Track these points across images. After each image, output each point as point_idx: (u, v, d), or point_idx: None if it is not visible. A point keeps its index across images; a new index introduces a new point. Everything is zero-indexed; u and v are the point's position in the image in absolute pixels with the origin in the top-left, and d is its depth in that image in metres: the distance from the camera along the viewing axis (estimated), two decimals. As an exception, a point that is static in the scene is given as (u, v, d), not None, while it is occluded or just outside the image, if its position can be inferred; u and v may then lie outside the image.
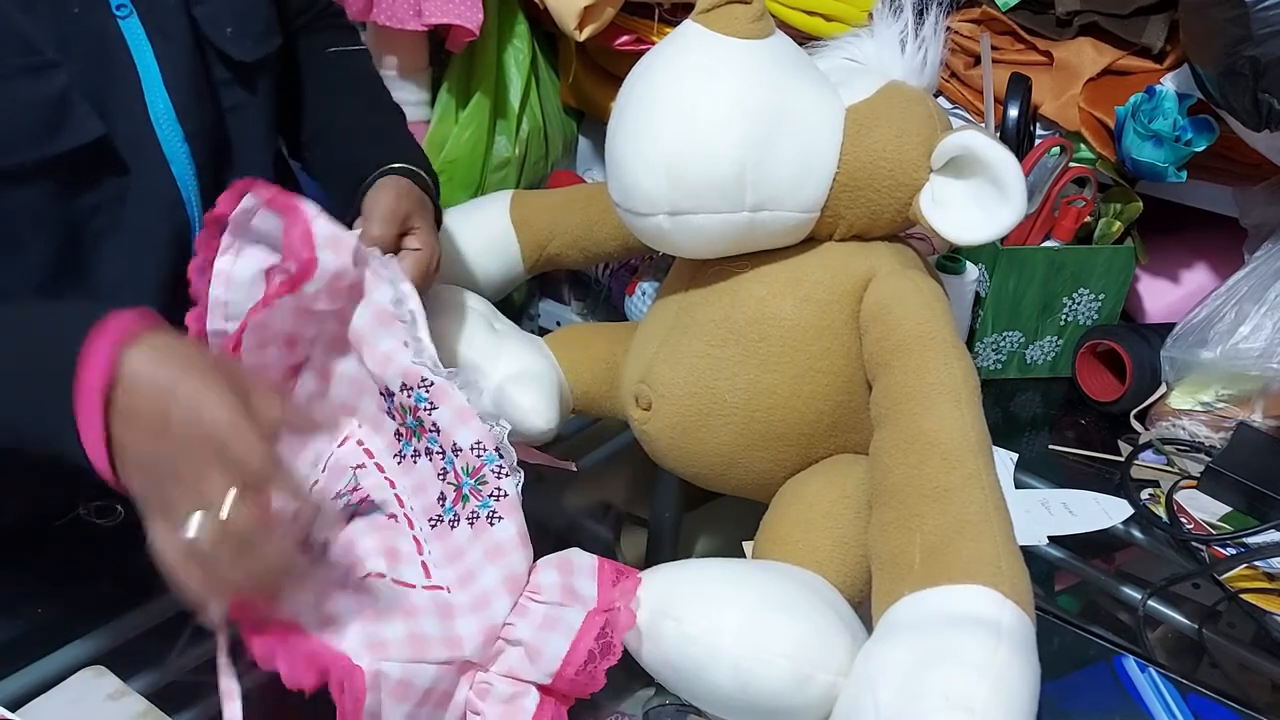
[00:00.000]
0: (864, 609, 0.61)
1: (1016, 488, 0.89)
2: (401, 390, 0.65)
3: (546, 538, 0.84)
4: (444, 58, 1.21)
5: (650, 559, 0.80)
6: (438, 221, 0.79)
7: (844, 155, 0.68)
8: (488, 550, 0.63)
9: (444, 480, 0.66)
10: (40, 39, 0.63)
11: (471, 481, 0.65)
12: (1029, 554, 0.63)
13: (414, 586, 0.62)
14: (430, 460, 0.66)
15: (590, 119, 1.34)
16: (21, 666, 0.66)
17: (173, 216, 0.71)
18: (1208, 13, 0.84)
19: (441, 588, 0.63)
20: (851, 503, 0.67)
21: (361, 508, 0.66)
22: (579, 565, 0.63)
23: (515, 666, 0.61)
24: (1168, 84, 0.98)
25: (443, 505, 0.66)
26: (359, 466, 0.68)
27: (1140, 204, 1.03)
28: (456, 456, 0.65)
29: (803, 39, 0.87)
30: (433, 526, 0.66)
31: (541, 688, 0.61)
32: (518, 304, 1.14)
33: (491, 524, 0.63)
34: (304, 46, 0.85)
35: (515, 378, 0.78)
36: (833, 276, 0.70)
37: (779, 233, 0.70)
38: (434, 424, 0.65)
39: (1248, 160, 1.00)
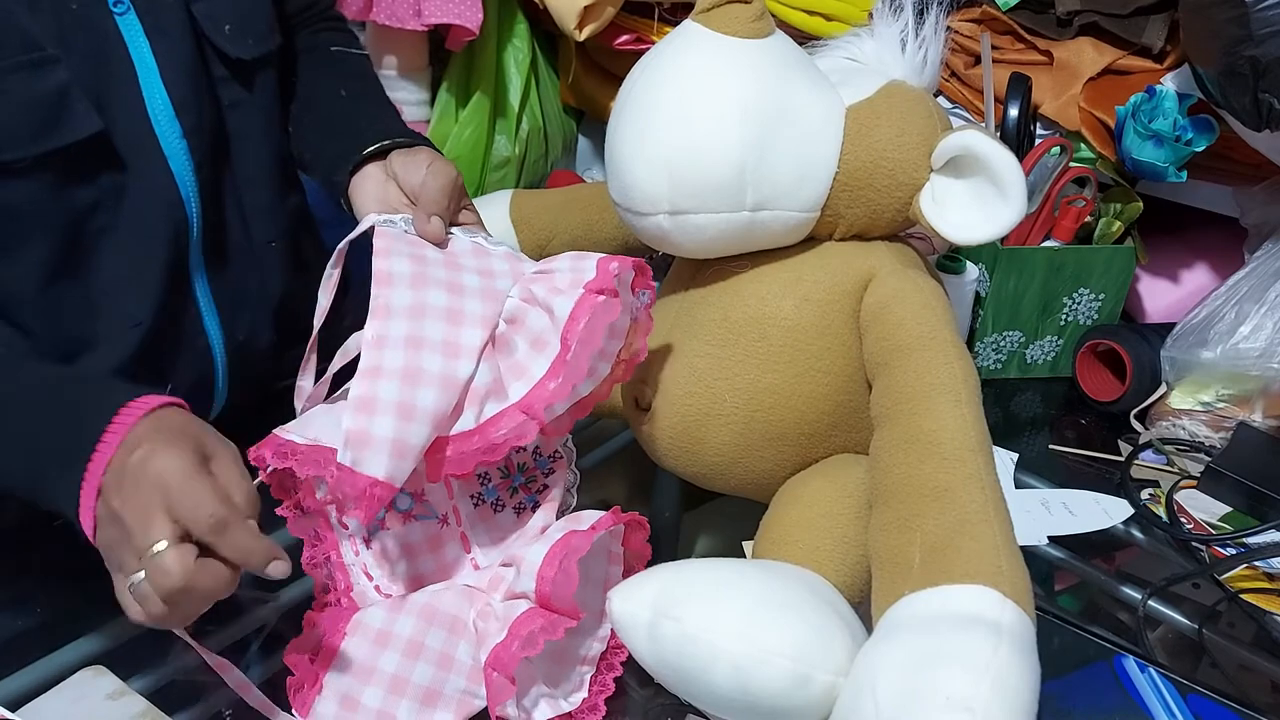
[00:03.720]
0: (864, 609, 0.61)
1: (1016, 488, 0.89)
2: None
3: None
4: (444, 57, 1.21)
5: (650, 559, 0.80)
6: None
7: (844, 155, 0.68)
8: (524, 530, 0.69)
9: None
10: (41, 34, 0.63)
11: (523, 479, 0.70)
12: (1029, 554, 0.63)
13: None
14: None
15: (590, 119, 1.34)
16: (21, 666, 0.66)
17: (171, 213, 0.71)
18: (1208, 13, 0.84)
19: (481, 590, 0.67)
20: (851, 502, 0.67)
21: (416, 509, 0.68)
22: (585, 516, 0.66)
23: (511, 584, 0.64)
24: (1168, 84, 0.98)
25: (483, 485, 0.69)
26: None
27: (1140, 204, 1.03)
28: (516, 454, 0.69)
29: (803, 39, 0.87)
30: (474, 506, 0.69)
31: (538, 601, 0.63)
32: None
33: (532, 511, 0.69)
34: (306, 41, 0.85)
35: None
36: (833, 276, 0.70)
37: (779, 232, 0.70)
38: None
39: (1248, 160, 1.00)
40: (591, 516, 0.66)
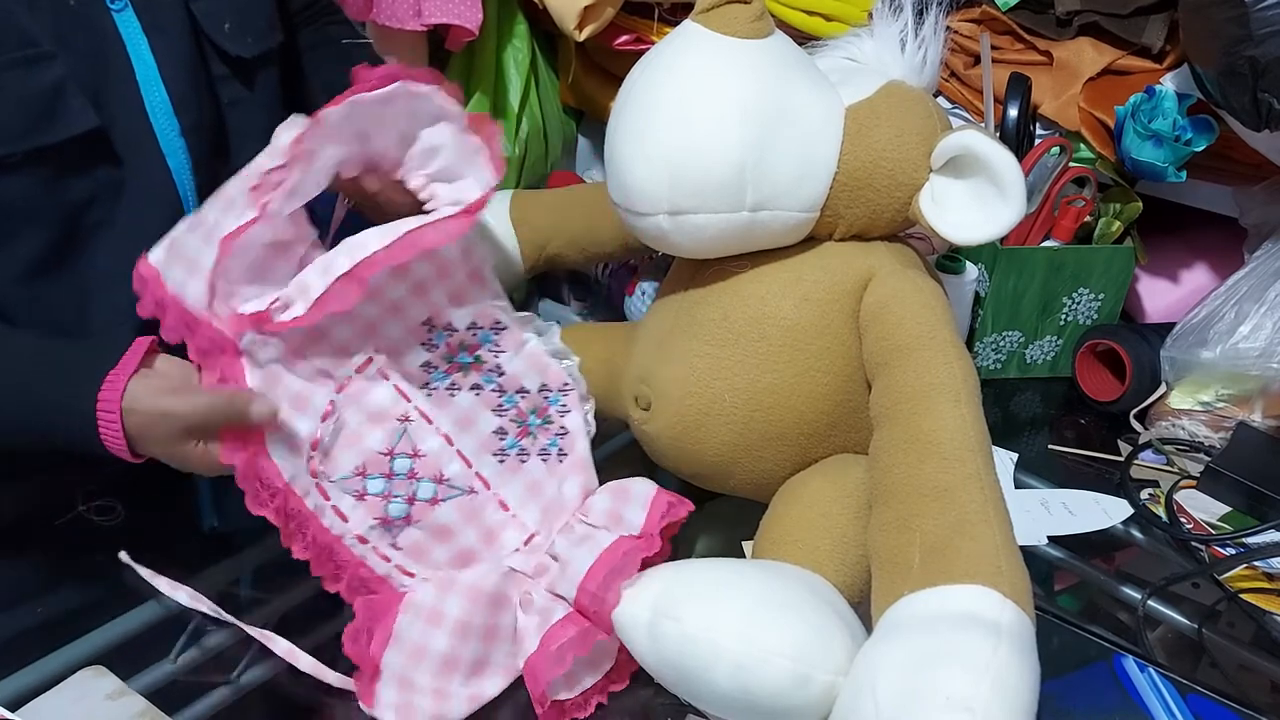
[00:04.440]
0: (864, 609, 0.61)
1: (1016, 488, 0.89)
2: (469, 329, 0.68)
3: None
4: (443, 57, 1.21)
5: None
6: None
7: (844, 155, 0.68)
8: (561, 483, 0.69)
9: (503, 416, 0.69)
10: (37, 31, 0.63)
11: (539, 421, 0.70)
12: (1029, 554, 0.63)
13: (517, 550, 0.68)
14: (479, 395, 0.69)
15: (590, 119, 1.34)
16: (21, 666, 0.66)
17: (168, 210, 0.71)
18: (1208, 13, 0.84)
19: (535, 533, 0.68)
20: (851, 502, 0.67)
21: (441, 492, 0.68)
22: (635, 494, 0.67)
23: (554, 580, 0.65)
24: (1167, 84, 0.98)
25: (503, 439, 0.69)
26: (405, 419, 0.67)
27: (1140, 204, 1.03)
28: (522, 399, 0.69)
29: (803, 39, 0.87)
30: (500, 462, 0.69)
31: (574, 608, 0.64)
32: (518, 304, 1.14)
33: (560, 460, 0.69)
34: (313, 37, 0.85)
35: (515, 377, 0.78)
36: (832, 276, 0.70)
37: (779, 232, 0.70)
38: (498, 366, 0.69)
39: (1248, 160, 1.00)
40: (640, 495, 0.66)
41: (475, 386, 0.69)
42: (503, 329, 0.69)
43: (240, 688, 0.66)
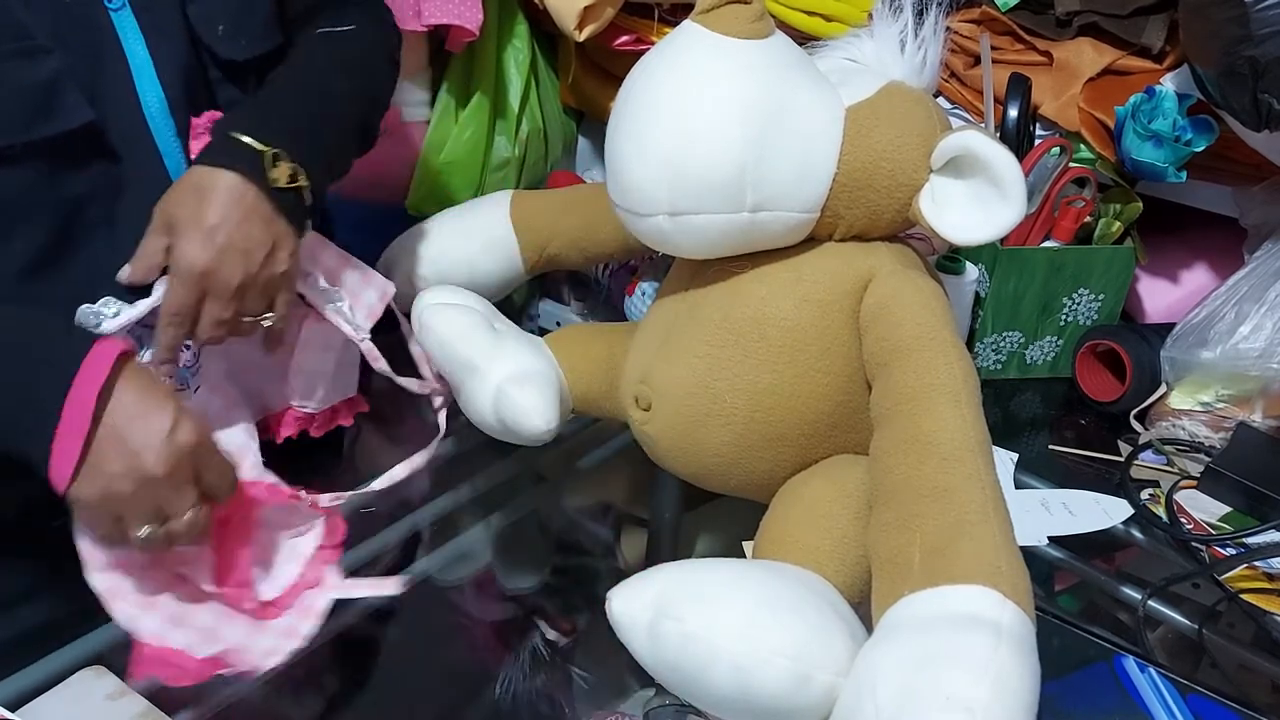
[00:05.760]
0: (864, 609, 0.61)
1: (1016, 488, 0.89)
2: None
3: (547, 537, 0.84)
4: (444, 58, 1.21)
5: (650, 559, 0.80)
6: (311, 210, 0.71)
7: (844, 155, 0.68)
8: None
9: None
10: (33, 25, 0.64)
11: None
12: (1029, 554, 0.63)
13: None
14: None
15: (590, 119, 1.34)
16: (21, 666, 0.66)
17: None
18: (1207, 13, 0.84)
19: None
20: (851, 503, 0.67)
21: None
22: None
23: None
24: (1167, 84, 0.98)
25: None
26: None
27: (1140, 204, 1.03)
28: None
29: (803, 39, 0.87)
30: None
31: None
32: (518, 304, 1.14)
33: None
34: (300, 36, 0.84)
35: (515, 378, 0.78)
36: (832, 277, 0.71)
37: (779, 233, 0.70)
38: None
39: (1247, 160, 1.00)
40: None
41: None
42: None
43: (241, 687, 0.66)
